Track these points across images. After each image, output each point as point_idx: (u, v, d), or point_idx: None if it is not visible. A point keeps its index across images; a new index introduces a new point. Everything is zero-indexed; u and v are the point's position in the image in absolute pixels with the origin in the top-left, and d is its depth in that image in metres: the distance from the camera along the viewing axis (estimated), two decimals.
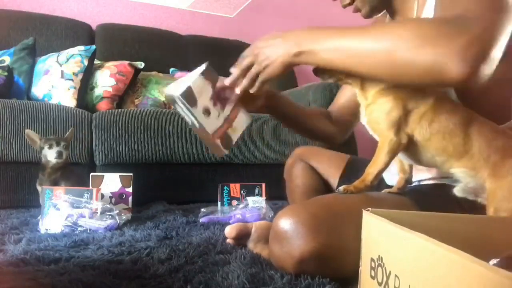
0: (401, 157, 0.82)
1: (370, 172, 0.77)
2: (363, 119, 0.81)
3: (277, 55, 0.76)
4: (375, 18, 0.94)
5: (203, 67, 0.85)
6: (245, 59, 0.82)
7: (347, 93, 1.12)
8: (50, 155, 1.44)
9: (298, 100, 2.40)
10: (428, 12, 0.81)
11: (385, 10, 0.93)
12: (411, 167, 0.86)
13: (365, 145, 0.88)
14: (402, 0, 0.89)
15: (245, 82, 0.82)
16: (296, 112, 1.07)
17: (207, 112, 0.84)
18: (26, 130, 1.48)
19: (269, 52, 0.77)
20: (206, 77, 0.84)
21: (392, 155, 0.75)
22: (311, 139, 1.18)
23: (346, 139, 1.17)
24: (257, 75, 0.81)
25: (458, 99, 0.81)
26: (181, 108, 0.84)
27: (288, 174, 1.24)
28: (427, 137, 0.74)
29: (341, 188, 0.79)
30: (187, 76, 0.88)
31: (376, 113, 0.76)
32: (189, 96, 0.81)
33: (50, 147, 1.44)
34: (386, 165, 0.76)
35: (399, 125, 0.74)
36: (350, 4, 0.89)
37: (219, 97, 0.86)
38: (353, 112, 1.02)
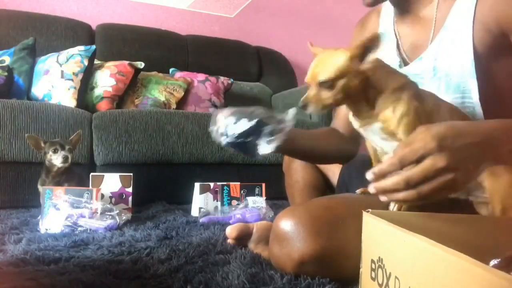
0: None
1: None
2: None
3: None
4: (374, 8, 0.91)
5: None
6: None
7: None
8: (56, 159, 1.43)
9: (298, 100, 2.40)
10: (457, 12, 0.80)
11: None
12: None
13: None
14: None
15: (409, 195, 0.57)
16: (311, 140, 0.97)
17: None
18: (27, 135, 1.47)
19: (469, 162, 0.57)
20: None
21: None
22: (330, 162, 1.07)
23: None
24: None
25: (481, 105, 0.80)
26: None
27: (287, 168, 1.22)
28: None
29: (358, 191, 0.77)
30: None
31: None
32: None
33: (55, 151, 1.43)
34: None
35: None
36: None
37: None
38: None
